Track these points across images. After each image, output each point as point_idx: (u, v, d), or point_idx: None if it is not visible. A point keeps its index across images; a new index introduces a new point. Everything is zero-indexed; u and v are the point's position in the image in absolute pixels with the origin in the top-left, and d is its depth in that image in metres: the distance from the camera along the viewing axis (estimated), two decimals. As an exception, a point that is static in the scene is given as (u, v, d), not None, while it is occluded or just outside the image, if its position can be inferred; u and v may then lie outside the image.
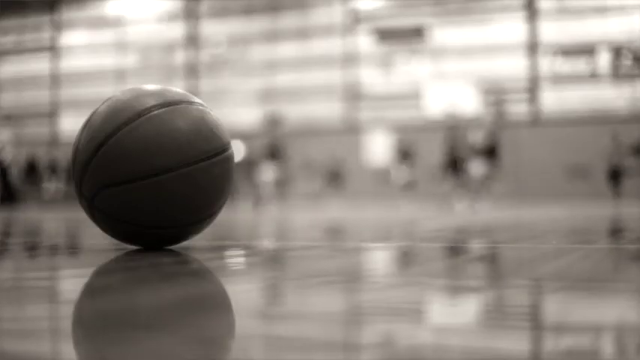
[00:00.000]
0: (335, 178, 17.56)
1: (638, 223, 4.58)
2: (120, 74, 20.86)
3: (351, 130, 18.36)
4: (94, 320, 1.05)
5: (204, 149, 2.02)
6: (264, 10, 19.73)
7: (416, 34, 18.08)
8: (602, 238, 3.15)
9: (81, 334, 0.97)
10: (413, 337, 0.94)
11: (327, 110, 18.61)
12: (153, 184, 1.97)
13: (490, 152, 11.78)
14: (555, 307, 1.18)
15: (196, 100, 2.14)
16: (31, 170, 18.94)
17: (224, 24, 20.22)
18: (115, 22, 21.38)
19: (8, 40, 22.58)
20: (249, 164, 15.17)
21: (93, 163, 1.99)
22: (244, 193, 14.68)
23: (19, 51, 22.47)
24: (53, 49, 22.06)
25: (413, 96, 17.67)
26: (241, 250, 2.44)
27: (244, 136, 18.09)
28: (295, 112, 18.96)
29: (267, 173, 12.50)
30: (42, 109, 21.65)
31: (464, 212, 8.32)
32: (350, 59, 18.60)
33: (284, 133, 13.42)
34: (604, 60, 16.51)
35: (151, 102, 2.02)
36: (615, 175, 15.38)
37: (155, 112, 2.00)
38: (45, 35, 22.23)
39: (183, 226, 2.09)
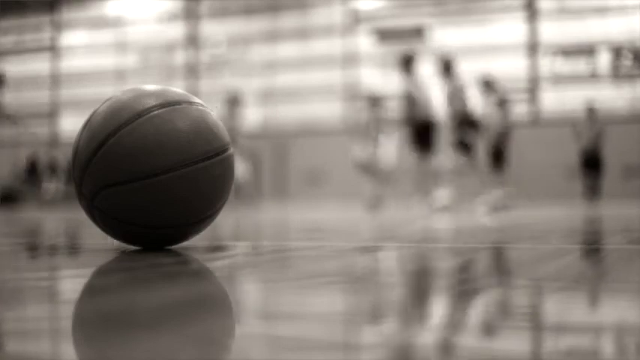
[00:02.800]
0: None
1: (636, 223, 4.58)
2: (120, 74, 20.85)
3: (351, 130, 18.35)
4: (94, 320, 1.05)
5: (205, 149, 2.02)
6: (264, 10, 19.72)
7: (416, 34, 18.08)
8: (602, 238, 3.15)
9: (81, 334, 0.97)
10: (413, 337, 0.94)
11: (327, 110, 18.60)
12: (153, 184, 1.97)
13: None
14: (555, 307, 1.18)
15: (196, 100, 2.14)
16: (31, 170, 18.94)
17: (224, 24, 20.21)
18: (115, 22, 21.37)
19: (8, 40, 22.58)
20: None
21: (93, 163, 1.99)
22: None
23: (19, 51, 22.46)
24: (53, 49, 22.06)
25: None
26: (241, 250, 2.44)
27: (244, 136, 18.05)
28: (295, 112, 18.96)
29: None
30: (42, 109, 21.65)
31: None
32: (350, 59, 18.59)
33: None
34: (604, 60, 16.50)
35: (151, 102, 2.03)
36: (591, 165, 12.45)
37: (155, 112, 2.00)
38: (45, 35, 22.22)
39: (183, 226, 2.09)
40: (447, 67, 9.91)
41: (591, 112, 12.44)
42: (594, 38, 16.53)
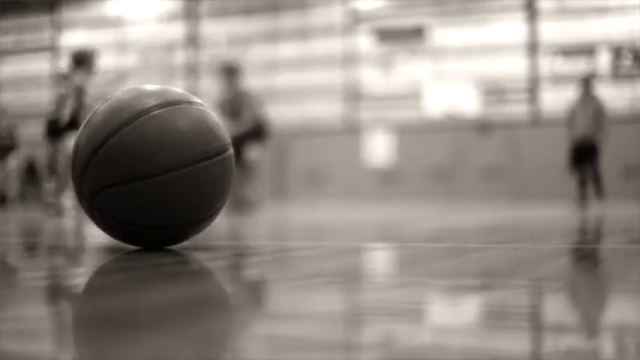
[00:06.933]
0: None
1: (636, 223, 4.58)
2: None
3: (351, 130, 18.35)
4: (94, 320, 1.05)
5: (205, 149, 2.02)
6: (264, 10, 19.71)
7: (416, 34, 18.07)
8: (602, 238, 3.15)
9: (81, 334, 0.97)
10: (413, 337, 0.94)
11: (327, 110, 18.60)
12: (153, 184, 1.97)
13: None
14: (555, 307, 1.18)
15: (196, 100, 2.14)
16: (31, 170, 18.92)
17: (224, 24, 20.21)
18: (115, 22, 21.37)
19: (8, 40, 22.57)
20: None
21: (93, 163, 1.99)
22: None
23: (19, 51, 22.46)
24: (53, 49, 22.06)
25: (413, 96, 17.66)
26: (241, 250, 2.44)
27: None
28: (295, 112, 18.96)
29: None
30: (42, 109, 21.65)
31: None
32: (350, 59, 18.58)
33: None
34: (604, 60, 16.51)
35: (151, 102, 2.02)
36: (583, 157, 9.18)
37: (155, 112, 2.00)
38: (45, 35, 22.21)
39: (183, 226, 2.09)
40: None
41: (587, 84, 9.42)
42: (594, 38, 16.53)
